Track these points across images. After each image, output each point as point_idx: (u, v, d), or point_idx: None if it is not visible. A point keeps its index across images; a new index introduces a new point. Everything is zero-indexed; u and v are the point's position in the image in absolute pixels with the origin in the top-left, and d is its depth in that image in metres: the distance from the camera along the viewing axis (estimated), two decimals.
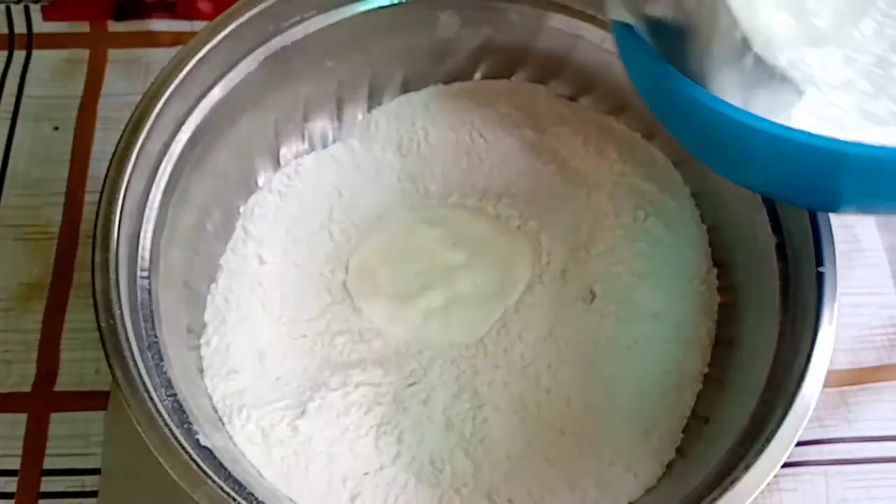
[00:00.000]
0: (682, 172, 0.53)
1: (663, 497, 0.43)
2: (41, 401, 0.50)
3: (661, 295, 0.49)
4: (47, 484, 0.48)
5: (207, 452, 0.40)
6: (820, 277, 0.41)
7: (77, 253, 0.54)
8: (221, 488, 0.38)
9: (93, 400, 0.50)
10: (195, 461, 0.38)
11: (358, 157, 0.54)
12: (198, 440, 0.40)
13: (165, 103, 0.45)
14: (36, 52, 0.61)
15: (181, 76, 0.45)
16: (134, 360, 0.40)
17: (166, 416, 0.39)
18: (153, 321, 0.43)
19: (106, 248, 0.42)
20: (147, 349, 0.41)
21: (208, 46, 0.46)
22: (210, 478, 0.38)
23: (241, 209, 0.52)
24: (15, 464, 0.49)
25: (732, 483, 0.38)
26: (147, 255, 0.44)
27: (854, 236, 0.54)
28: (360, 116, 0.56)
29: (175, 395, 0.41)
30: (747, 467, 0.38)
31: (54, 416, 0.50)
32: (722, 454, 0.41)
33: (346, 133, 0.55)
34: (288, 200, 0.52)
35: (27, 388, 0.51)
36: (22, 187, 0.56)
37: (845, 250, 0.54)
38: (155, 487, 0.45)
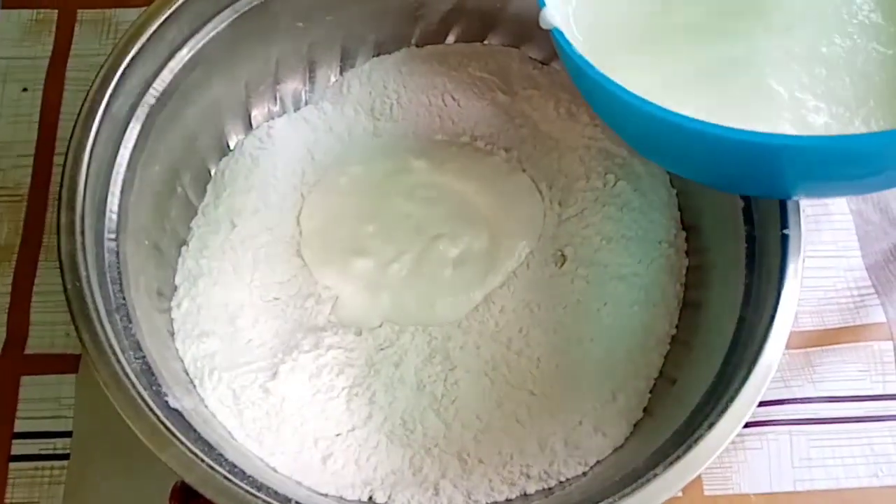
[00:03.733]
0: None
1: (631, 456, 0.44)
2: (11, 364, 0.50)
3: (630, 258, 0.49)
4: (18, 447, 0.48)
5: (177, 414, 0.40)
6: (784, 240, 0.42)
7: (46, 216, 0.54)
8: (189, 449, 0.38)
9: (63, 363, 0.50)
10: (163, 423, 0.38)
11: (330, 119, 0.54)
12: (167, 402, 0.40)
13: (132, 63, 0.44)
14: (3, 12, 0.60)
15: (147, 35, 0.45)
16: (101, 323, 0.39)
17: (134, 378, 0.39)
18: (121, 283, 0.43)
19: (72, 209, 0.41)
20: (115, 311, 0.41)
21: (176, 5, 0.46)
22: (178, 439, 0.38)
23: (212, 171, 0.52)
24: None
25: (696, 441, 0.38)
26: (115, 216, 0.44)
27: (822, 200, 0.55)
28: (332, 79, 0.55)
29: (144, 357, 0.41)
30: (711, 426, 0.38)
31: (24, 379, 0.50)
32: (687, 414, 0.41)
33: (318, 95, 0.55)
34: (259, 163, 0.52)
35: None
36: None
37: (813, 213, 0.54)
38: (127, 450, 0.45)
